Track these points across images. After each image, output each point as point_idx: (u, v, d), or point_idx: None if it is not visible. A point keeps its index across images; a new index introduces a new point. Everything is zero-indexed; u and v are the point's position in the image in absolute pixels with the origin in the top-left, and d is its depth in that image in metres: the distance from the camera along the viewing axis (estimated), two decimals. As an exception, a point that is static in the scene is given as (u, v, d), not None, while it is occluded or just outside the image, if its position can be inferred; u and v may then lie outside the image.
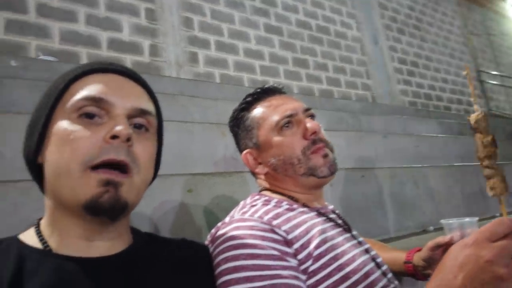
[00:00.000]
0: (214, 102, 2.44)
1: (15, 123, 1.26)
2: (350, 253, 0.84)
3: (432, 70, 6.10)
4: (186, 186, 1.35)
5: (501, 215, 0.84)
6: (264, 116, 0.97)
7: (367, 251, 0.90)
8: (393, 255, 1.06)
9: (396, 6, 5.97)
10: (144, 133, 0.67)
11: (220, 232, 0.81)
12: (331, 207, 1.02)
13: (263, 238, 0.75)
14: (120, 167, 0.60)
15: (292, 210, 0.87)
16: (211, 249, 0.79)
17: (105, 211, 0.59)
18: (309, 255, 0.78)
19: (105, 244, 0.64)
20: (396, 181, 2.10)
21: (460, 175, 2.48)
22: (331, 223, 0.90)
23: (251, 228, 0.77)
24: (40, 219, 0.67)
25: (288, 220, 0.83)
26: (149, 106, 0.68)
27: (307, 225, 0.83)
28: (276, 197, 0.92)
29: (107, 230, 0.63)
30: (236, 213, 0.88)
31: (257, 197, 0.93)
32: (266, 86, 1.03)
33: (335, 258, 0.80)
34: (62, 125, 0.61)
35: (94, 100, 0.62)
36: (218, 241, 0.79)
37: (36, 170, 0.65)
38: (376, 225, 1.90)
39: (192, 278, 0.70)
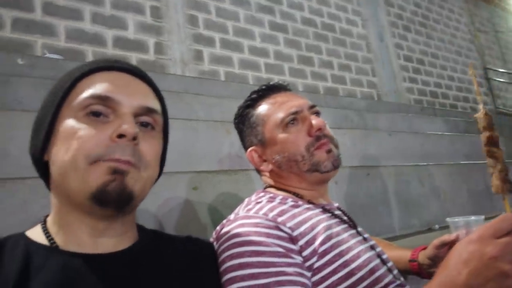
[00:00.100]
0: (219, 100, 2.44)
1: (21, 121, 1.27)
2: (355, 249, 0.84)
3: (438, 68, 6.06)
4: (191, 184, 1.35)
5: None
6: (269, 113, 0.97)
7: (372, 247, 0.90)
8: (398, 253, 1.05)
9: (402, 3, 5.93)
10: (150, 131, 0.67)
11: (225, 230, 0.81)
12: (336, 204, 1.02)
13: (268, 235, 0.76)
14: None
15: (297, 207, 0.87)
16: (216, 246, 0.80)
17: (112, 201, 0.59)
18: (314, 252, 0.78)
19: (112, 241, 0.64)
20: (401, 179, 2.09)
21: (466, 174, 2.47)
22: (336, 220, 0.90)
23: (256, 225, 0.78)
24: (47, 216, 0.67)
25: (293, 217, 0.83)
26: (155, 104, 0.69)
27: (312, 222, 0.83)
28: (281, 194, 0.92)
29: (114, 226, 0.64)
30: (241, 210, 0.88)
31: (262, 194, 0.93)
32: (271, 83, 1.03)
33: (340, 255, 0.80)
34: (69, 123, 0.62)
35: (101, 99, 0.62)
36: (223, 238, 0.79)
37: (43, 168, 0.66)
38: (381, 223, 1.90)
39: (197, 275, 0.71)
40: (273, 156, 0.95)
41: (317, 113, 0.98)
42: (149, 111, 0.66)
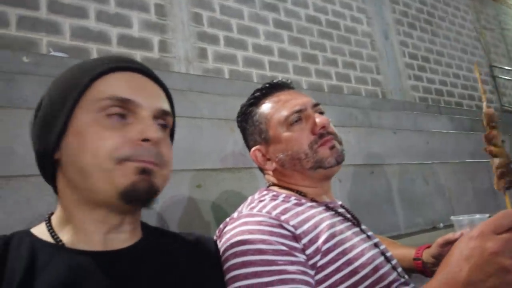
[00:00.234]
0: (223, 98, 2.44)
1: (26, 119, 1.26)
2: (359, 247, 0.83)
3: (444, 66, 6.02)
4: (195, 182, 1.36)
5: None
6: (273, 112, 0.96)
7: (376, 245, 0.90)
8: (402, 251, 1.05)
9: (407, 0, 5.89)
10: (164, 131, 0.69)
11: (228, 227, 0.81)
12: (339, 202, 1.01)
13: (271, 233, 0.76)
14: None
15: (300, 205, 0.87)
16: (219, 244, 0.80)
17: (141, 198, 0.61)
18: (317, 250, 0.78)
19: (121, 236, 0.65)
20: (406, 177, 2.08)
21: (471, 172, 2.45)
22: (339, 218, 0.90)
23: (259, 223, 0.78)
24: (51, 214, 0.68)
25: (297, 215, 0.83)
26: (168, 106, 0.70)
27: (316, 220, 0.83)
28: (284, 192, 0.92)
29: (127, 221, 0.65)
30: (244, 208, 0.88)
31: (265, 192, 0.93)
32: (275, 81, 1.03)
33: (343, 253, 0.80)
34: (89, 124, 0.61)
35: (122, 101, 0.63)
36: (227, 236, 0.79)
37: (50, 166, 0.65)
38: (386, 221, 1.89)
39: (200, 272, 0.71)
40: (277, 155, 0.95)
41: (321, 112, 0.98)
42: (164, 113, 0.68)
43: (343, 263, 0.78)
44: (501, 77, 6.93)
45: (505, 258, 0.56)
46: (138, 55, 3.22)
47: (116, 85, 0.64)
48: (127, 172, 0.60)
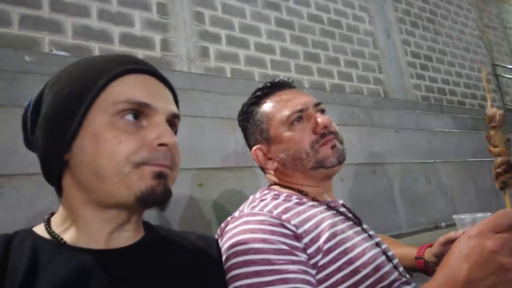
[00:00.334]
0: (225, 97, 2.44)
1: (29, 117, 1.27)
2: (360, 246, 0.83)
3: (446, 64, 6.00)
4: (197, 180, 1.36)
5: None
6: (274, 111, 0.96)
7: (377, 244, 0.90)
8: (404, 250, 1.05)
9: (409, -2, 5.88)
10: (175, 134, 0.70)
11: (229, 226, 0.81)
12: (340, 201, 1.01)
13: (273, 233, 0.76)
14: None
15: (302, 204, 0.87)
16: (220, 243, 0.80)
17: (158, 202, 0.62)
18: (318, 249, 0.78)
19: (123, 236, 0.65)
20: (408, 176, 2.08)
21: (474, 171, 2.45)
22: (341, 217, 0.90)
23: (261, 222, 0.78)
24: (52, 214, 0.67)
25: (298, 214, 0.82)
26: (177, 109, 0.70)
27: (317, 219, 0.83)
28: (285, 192, 0.92)
29: (131, 222, 0.66)
30: (245, 207, 0.88)
31: (266, 191, 0.93)
32: (276, 80, 1.02)
33: (345, 252, 0.80)
34: (105, 126, 0.61)
35: (139, 105, 0.62)
36: (228, 235, 0.79)
37: (57, 167, 0.64)
38: (388, 220, 1.89)
39: (201, 271, 0.71)
40: (278, 154, 0.95)
41: (323, 111, 0.98)
42: (175, 117, 0.68)
43: (344, 263, 0.78)
44: (504, 76, 6.91)
45: (504, 256, 0.56)
46: (140, 54, 3.22)
47: (133, 88, 0.64)
48: (144, 176, 0.60)
